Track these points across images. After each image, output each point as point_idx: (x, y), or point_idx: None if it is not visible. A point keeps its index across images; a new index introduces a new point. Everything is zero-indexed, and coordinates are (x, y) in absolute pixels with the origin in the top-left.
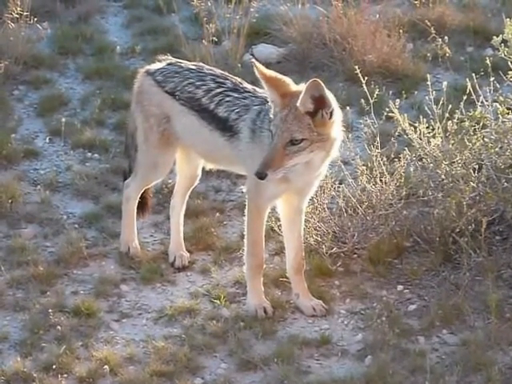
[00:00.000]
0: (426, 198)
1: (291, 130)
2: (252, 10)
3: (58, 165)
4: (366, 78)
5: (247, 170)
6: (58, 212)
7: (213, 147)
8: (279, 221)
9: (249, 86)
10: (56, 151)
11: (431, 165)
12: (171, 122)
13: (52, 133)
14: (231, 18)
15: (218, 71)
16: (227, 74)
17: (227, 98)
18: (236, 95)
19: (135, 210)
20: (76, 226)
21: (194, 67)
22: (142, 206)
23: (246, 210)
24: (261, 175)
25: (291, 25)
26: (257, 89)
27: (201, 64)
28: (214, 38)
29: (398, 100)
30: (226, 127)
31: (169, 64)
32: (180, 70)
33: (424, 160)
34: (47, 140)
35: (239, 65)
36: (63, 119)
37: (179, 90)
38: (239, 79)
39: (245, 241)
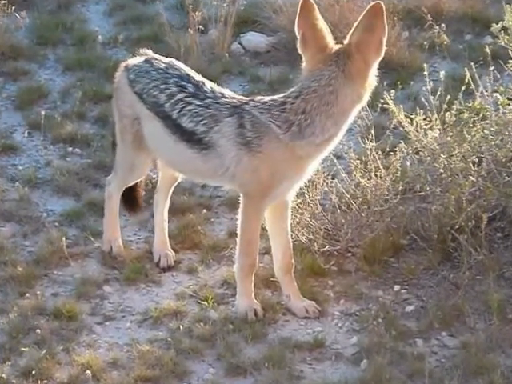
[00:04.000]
0: (423, 194)
1: None
2: None
3: (37, 160)
4: None
5: (242, 182)
6: (38, 209)
7: (179, 159)
8: None
9: (209, 88)
10: (35, 146)
11: (428, 158)
12: (141, 125)
13: (31, 126)
14: (218, 5)
15: (185, 70)
16: (192, 73)
17: (189, 107)
18: (197, 102)
19: (118, 208)
20: (56, 224)
21: (163, 66)
22: (132, 201)
23: (241, 209)
24: None
25: (281, 12)
26: (216, 89)
27: (172, 61)
28: (201, 27)
29: (393, 91)
30: (193, 140)
31: (145, 61)
32: (150, 70)
33: (421, 153)
34: (26, 134)
35: (227, 54)
36: (43, 112)
37: (146, 92)
38: (201, 79)
39: (238, 239)
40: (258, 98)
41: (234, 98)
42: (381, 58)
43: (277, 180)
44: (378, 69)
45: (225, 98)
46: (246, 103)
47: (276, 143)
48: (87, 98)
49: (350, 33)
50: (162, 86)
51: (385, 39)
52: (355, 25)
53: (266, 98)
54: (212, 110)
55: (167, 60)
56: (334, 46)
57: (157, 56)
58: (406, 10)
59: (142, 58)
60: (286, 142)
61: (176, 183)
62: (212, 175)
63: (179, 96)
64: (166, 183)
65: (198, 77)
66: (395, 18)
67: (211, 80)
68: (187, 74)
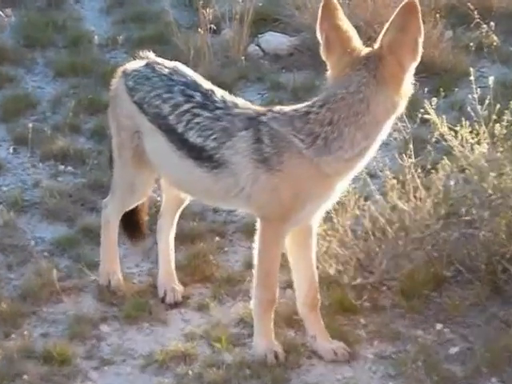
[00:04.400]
0: (469, 218)
1: None
2: None
3: (24, 180)
4: None
5: (260, 204)
6: (25, 237)
7: (187, 178)
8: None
9: (219, 97)
10: (22, 163)
11: (476, 177)
12: (142, 139)
13: (17, 141)
14: (232, 1)
15: (192, 76)
16: (199, 79)
17: (197, 119)
18: (207, 114)
19: (116, 235)
20: (46, 253)
21: (166, 72)
22: (133, 227)
23: (258, 236)
24: None
25: (305, 9)
26: (227, 98)
27: (177, 66)
28: (213, 26)
29: (434, 99)
30: (202, 156)
31: (146, 65)
32: (151, 76)
33: (467, 171)
34: (11, 150)
35: (243, 58)
36: (30, 125)
37: (147, 102)
38: (210, 87)
39: (255, 271)
40: (277, 108)
41: (248, 108)
42: (417, 62)
43: (300, 202)
44: (418, 74)
45: (238, 108)
46: (263, 114)
47: (299, 159)
48: (82, 108)
49: (382, 34)
50: (166, 95)
51: (421, 39)
52: (387, 25)
53: (287, 108)
54: (224, 122)
55: (171, 64)
56: (362, 48)
57: (159, 60)
58: (449, 6)
59: (143, 62)
60: (311, 158)
61: (183, 206)
62: (224, 197)
63: (185, 106)
64: (171, 206)
65: (206, 84)
66: (437, 16)
67: (225, 88)
68: (194, 81)
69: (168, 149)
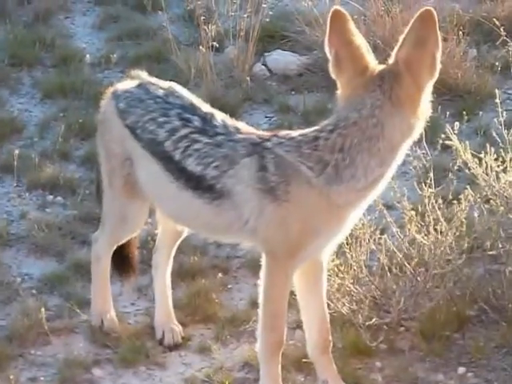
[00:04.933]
0: (494, 252)
1: None
2: (265, 5)
3: (9, 212)
4: None
5: (266, 237)
6: (10, 273)
7: (185, 210)
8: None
9: (219, 122)
10: (7, 193)
11: (501, 208)
12: (134, 167)
13: (2, 169)
14: (237, 16)
15: (189, 98)
16: (197, 101)
17: (196, 145)
18: (206, 140)
19: (108, 271)
20: (34, 291)
21: (161, 93)
22: (124, 263)
23: (264, 273)
24: None
25: (317, 26)
26: (228, 123)
27: (173, 87)
28: (215, 44)
29: (457, 123)
30: (201, 186)
31: (138, 86)
32: (145, 98)
33: (492, 202)
34: None
35: (248, 78)
36: (16, 151)
37: (140, 126)
38: (209, 110)
39: (260, 311)
40: (283, 132)
41: (251, 133)
42: (434, 79)
43: (309, 235)
44: (440, 96)
45: (240, 133)
46: (268, 140)
47: (307, 189)
48: (72, 133)
49: (396, 49)
50: (161, 119)
51: (439, 54)
52: (401, 39)
53: (294, 133)
54: (225, 149)
55: (166, 85)
56: (376, 66)
57: (153, 79)
58: (473, 23)
59: (135, 83)
60: (320, 188)
61: (180, 239)
62: (227, 230)
63: (183, 132)
64: (167, 239)
65: (205, 107)
66: (460, 33)
67: (229, 110)
68: (191, 104)
69: (164, 178)
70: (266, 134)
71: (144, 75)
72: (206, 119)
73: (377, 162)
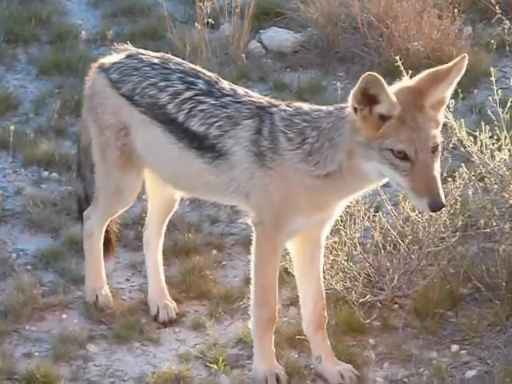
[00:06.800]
0: (488, 231)
1: (432, 133)
2: None
3: (4, 187)
4: (410, 71)
5: (255, 203)
6: (5, 249)
7: (186, 171)
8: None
9: (227, 86)
10: (2, 169)
11: (496, 186)
12: (131, 135)
13: None
14: None
15: (189, 66)
16: (199, 69)
17: (201, 106)
18: (212, 101)
19: (101, 247)
20: (29, 267)
21: (157, 61)
22: (104, 242)
23: (254, 247)
24: (440, 206)
25: (311, 3)
26: (238, 89)
27: (167, 56)
28: (210, 21)
29: (452, 101)
30: (204, 146)
31: (128, 56)
32: (140, 66)
33: (486, 180)
34: None
35: (243, 55)
36: (12, 127)
37: (138, 92)
38: (215, 76)
39: (252, 287)
40: (297, 104)
41: (262, 98)
42: None
43: (289, 208)
44: None
45: (250, 97)
46: (275, 106)
47: (287, 160)
48: (67, 110)
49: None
50: (162, 84)
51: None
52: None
53: (305, 106)
54: (230, 109)
55: (158, 54)
56: None
57: (142, 51)
58: (468, 1)
59: (122, 55)
60: (295, 162)
61: (170, 215)
62: (224, 191)
63: (187, 94)
64: (157, 216)
65: (208, 72)
66: (455, 10)
67: None
68: (193, 69)
69: (166, 140)
70: (278, 101)
71: (130, 47)
72: (211, 82)
73: (332, 154)
